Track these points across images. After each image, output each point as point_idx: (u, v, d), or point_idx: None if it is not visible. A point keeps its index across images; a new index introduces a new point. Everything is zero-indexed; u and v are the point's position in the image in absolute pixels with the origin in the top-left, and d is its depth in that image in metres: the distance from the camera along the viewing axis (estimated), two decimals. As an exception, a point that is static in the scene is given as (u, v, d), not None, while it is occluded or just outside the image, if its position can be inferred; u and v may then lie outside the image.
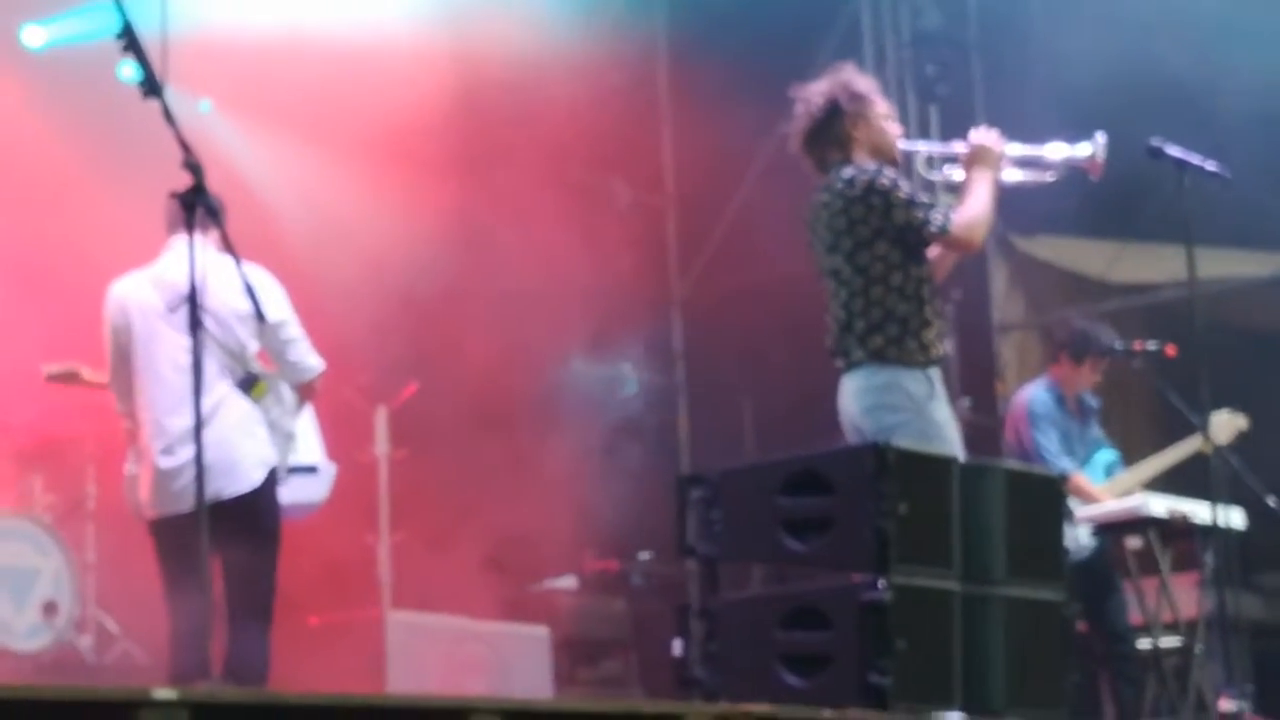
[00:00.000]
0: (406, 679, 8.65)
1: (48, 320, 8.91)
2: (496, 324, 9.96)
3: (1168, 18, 10.04)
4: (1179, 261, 7.61)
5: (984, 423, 11.06)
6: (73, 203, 9.11)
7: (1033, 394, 9.26)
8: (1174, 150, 7.46)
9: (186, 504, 6.35)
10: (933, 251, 6.57)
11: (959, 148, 6.79)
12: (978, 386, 11.61)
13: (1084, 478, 8.95)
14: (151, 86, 5.73)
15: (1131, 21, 10.17)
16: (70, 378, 8.39)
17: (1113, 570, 8.93)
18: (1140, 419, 10.52)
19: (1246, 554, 8.95)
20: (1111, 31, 10.15)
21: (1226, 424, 8.96)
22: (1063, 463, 8.84)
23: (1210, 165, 7.49)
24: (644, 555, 10.73)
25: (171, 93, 5.84)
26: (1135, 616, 8.98)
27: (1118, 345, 9.18)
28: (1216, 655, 8.39)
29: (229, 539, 6.56)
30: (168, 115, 5.73)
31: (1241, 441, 9.06)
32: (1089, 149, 6.76)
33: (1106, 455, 9.24)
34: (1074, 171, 6.83)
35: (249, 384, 6.81)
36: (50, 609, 8.92)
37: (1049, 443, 9.01)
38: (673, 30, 11.96)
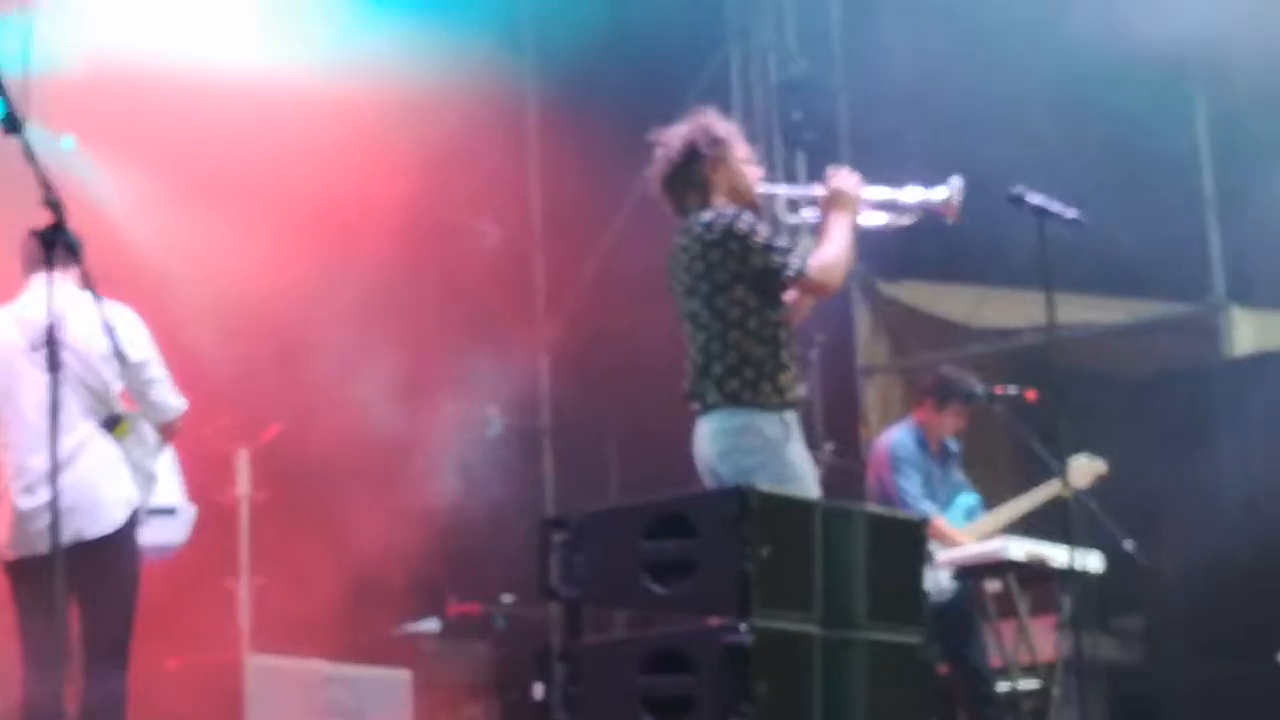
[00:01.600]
0: (266, 723, 8.58)
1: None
2: (361, 364, 9.91)
3: (1031, 66, 10.19)
4: (1039, 307, 7.70)
5: (847, 466, 11.13)
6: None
7: (895, 438, 9.36)
8: (1034, 197, 7.57)
9: (46, 544, 6.27)
10: (790, 295, 6.60)
11: (817, 191, 6.83)
12: (841, 430, 11.70)
13: (945, 521, 9.04)
14: (11, 123, 5.67)
15: (995, 69, 10.32)
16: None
17: (973, 613, 9.02)
18: (1001, 463, 10.64)
19: (1103, 597, 9.08)
20: (976, 79, 10.30)
21: (1085, 469, 9.08)
22: (924, 506, 8.92)
23: (1069, 212, 7.60)
24: (506, 598, 10.69)
25: (32, 129, 5.78)
26: (994, 659, 9.07)
27: (980, 391, 9.30)
28: (1073, 698, 8.49)
29: (88, 580, 6.50)
30: (28, 152, 5.68)
31: (1100, 486, 9.19)
32: (945, 193, 6.82)
33: (967, 499, 9.34)
34: (932, 215, 6.89)
35: (112, 424, 6.75)
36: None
37: (911, 486, 9.10)
38: (542, 72, 11.99)
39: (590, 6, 10.80)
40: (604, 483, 11.63)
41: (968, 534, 9.07)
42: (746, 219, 6.49)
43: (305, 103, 9.71)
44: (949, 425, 9.36)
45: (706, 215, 6.52)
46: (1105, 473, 9.15)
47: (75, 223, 6.02)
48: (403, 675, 9.57)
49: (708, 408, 6.48)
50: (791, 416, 6.51)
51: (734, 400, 6.42)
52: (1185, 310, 11.27)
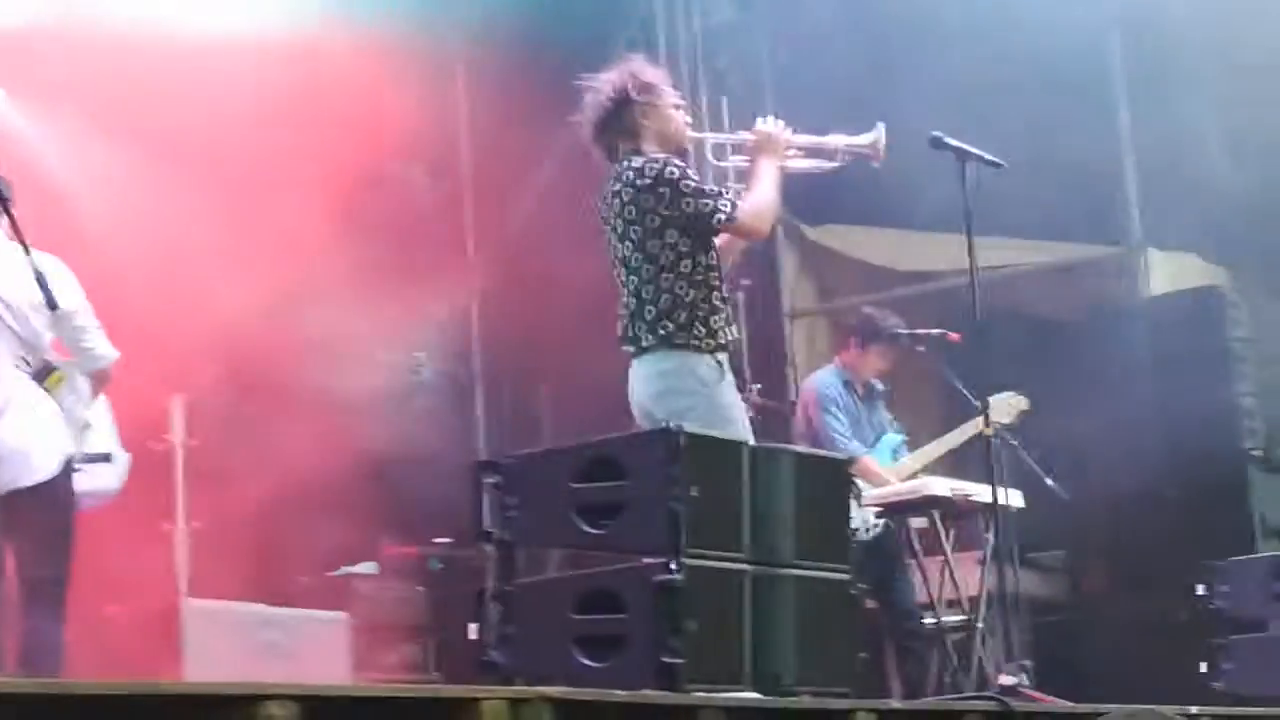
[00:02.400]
0: (204, 667, 8.61)
1: None
2: (293, 311, 9.92)
3: (951, 10, 10.29)
4: (962, 250, 7.83)
5: (774, 407, 11.25)
6: None
7: (822, 379, 9.49)
8: (955, 141, 7.69)
9: (-23, 494, 6.31)
10: (721, 239, 6.71)
11: (745, 136, 6.93)
12: (768, 372, 11.81)
13: (872, 460, 9.17)
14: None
15: (915, 16, 10.41)
16: None
17: (899, 550, 9.16)
18: (925, 404, 10.79)
19: (1025, 533, 9.25)
20: (896, 27, 10.39)
21: (1008, 405, 9.23)
22: (851, 445, 9.06)
23: (989, 156, 7.73)
24: (441, 540, 10.76)
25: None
26: (920, 594, 9.22)
27: (903, 332, 9.43)
28: (997, 631, 8.66)
29: (22, 528, 6.55)
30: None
31: (1023, 424, 9.34)
32: (870, 137, 6.96)
33: (893, 439, 9.48)
34: (857, 160, 7.01)
35: (44, 374, 6.78)
36: None
37: (839, 426, 9.23)
38: (468, 20, 11.96)
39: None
40: (535, 426, 11.70)
41: (893, 473, 9.21)
42: (677, 164, 6.59)
43: (231, 53, 9.70)
44: (873, 365, 9.49)
45: (637, 161, 6.61)
46: (1028, 409, 9.30)
47: (3, 171, 6.05)
48: (339, 617, 9.62)
49: (641, 350, 6.58)
50: (724, 358, 6.63)
51: (667, 343, 6.53)
52: (1104, 252, 11.44)
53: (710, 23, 12.37)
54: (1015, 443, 9.12)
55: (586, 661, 5.75)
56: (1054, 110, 10.39)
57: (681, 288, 6.57)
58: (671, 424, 5.86)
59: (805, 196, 10.08)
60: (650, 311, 6.57)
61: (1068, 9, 10.05)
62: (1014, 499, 8.83)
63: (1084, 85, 10.78)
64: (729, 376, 6.67)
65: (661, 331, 6.55)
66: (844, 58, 10.83)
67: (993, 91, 10.08)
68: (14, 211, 6.29)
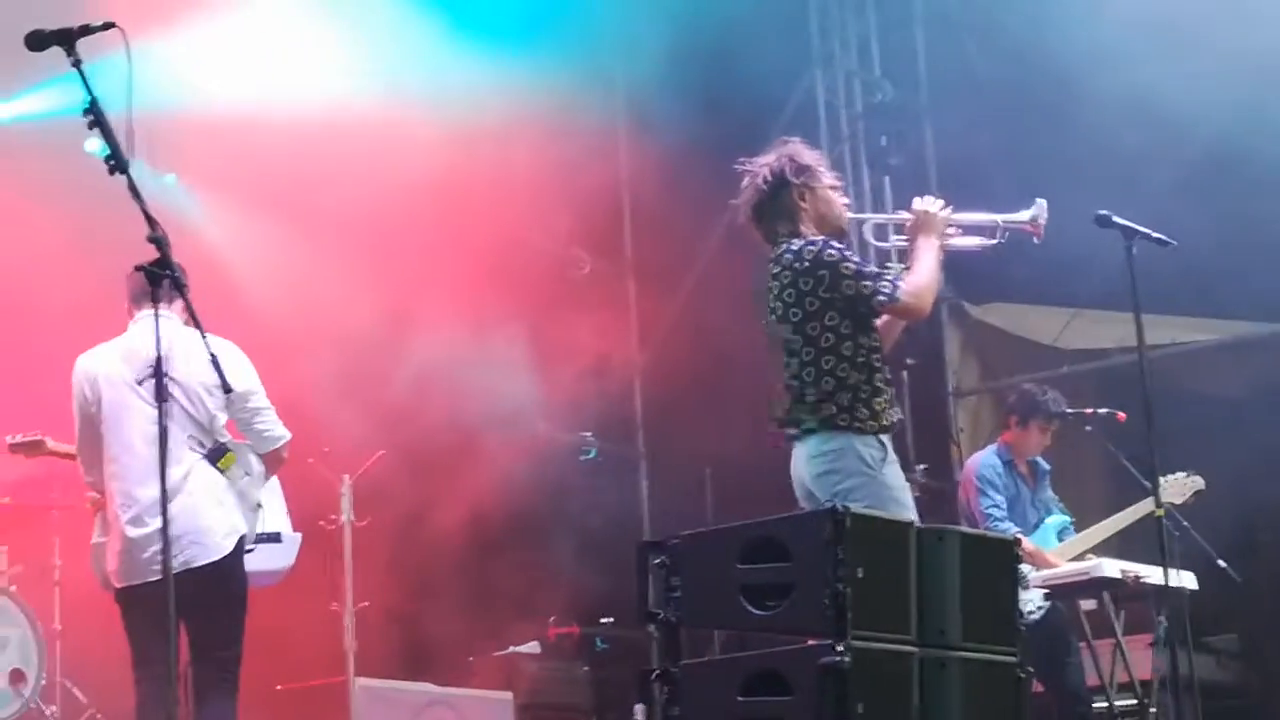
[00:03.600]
0: (373, 746, 8.71)
1: (12, 392, 8.97)
2: (460, 392, 10.03)
3: (1116, 89, 10.21)
4: (1128, 328, 7.75)
5: (939, 487, 11.18)
6: (38, 275, 9.19)
7: (982, 459, 9.41)
8: (1121, 219, 7.62)
9: (155, 573, 6.41)
10: (882, 320, 6.70)
11: (904, 216, 6.92)
12: (933, 452, 11.75)
13: (1029, 542, 9.05)
14: (117, 162, 5.81)
15: (1078, 91, 10.35)
16: (35, 447, 8.48)
17: (1068, 632, 9.03)
18: (1092, 484, 10.66)
19: (1198, 615, 9.08)
20: (1058, 101, 10.33)
21: (1182, 485, 9.07)
22: (1003, 526, 8.95)
23: (1156, 234, 7.65)
24: (606, 620, 10.79)
25: (137, 167, 5.92)
26: (1091, 678, 9.08)
27: (1066, 409, 9.33)
28: (1170, 715, 8.50)
29: (197, 607, 6.64)
30: (134, 190, 5.81)
31: (1194, 505, 9.19)
32: (1030, 213, 6.91)
33: (1059, 519, 9.35)
34: (1018, 236, 6.96)
35: (217, 454, 6.90)
36: (17, 677, 8.96)
37: (993, 508, 9.13)
38: (631, 102, 12.09)
39: (677, 36, 10.90)
40: (699, 506, 11.71)
41: (1058, 554, 9.10)
42: (835, 246, 6.59)
43: (400, 137, 9.86)
44: (1034, 443, 9.39)
45: (796, 244, 6.62)
46: (1202, 488, 9.14)
47: (179, 258, 6.18)
48: (505, 696, 9.67)
49: (804, 433, 6.57)
50: (888, 440, 6.60)
51: (830, 425, 6.52)
52: (1275, 329, 11.25)
53: (871, 102, 12.40)
54: (1186, 524, 8.96)
55: (752, 743, 5.73)
56: (1222, 183, 10.27)
57: (844, 370, 6.55)
58: (837, 504, 5.83)
59: (970, 275, 10.04)
60: (812, 394, 6.56)
61: (1236, 80, 9.93)
62: (1186, 580, 8.67)
63: (1254, 156, 10.63)
64: (893, 458, 6.64)
65: (824, 414, 6.54)
66: (1008, 133, 10.79)
67: (1159, 166, 9.99)
68: (189, 296, 6.41)
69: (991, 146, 10.89)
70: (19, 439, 8.56)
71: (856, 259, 6.64)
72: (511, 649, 10.36)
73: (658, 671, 6.05)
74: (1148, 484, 8.16)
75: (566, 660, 10.58)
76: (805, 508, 6.49)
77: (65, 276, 9.06)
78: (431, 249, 9.96)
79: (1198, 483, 9.14)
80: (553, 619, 10.79)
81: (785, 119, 11.56)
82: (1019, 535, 8.80)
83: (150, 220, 5.86)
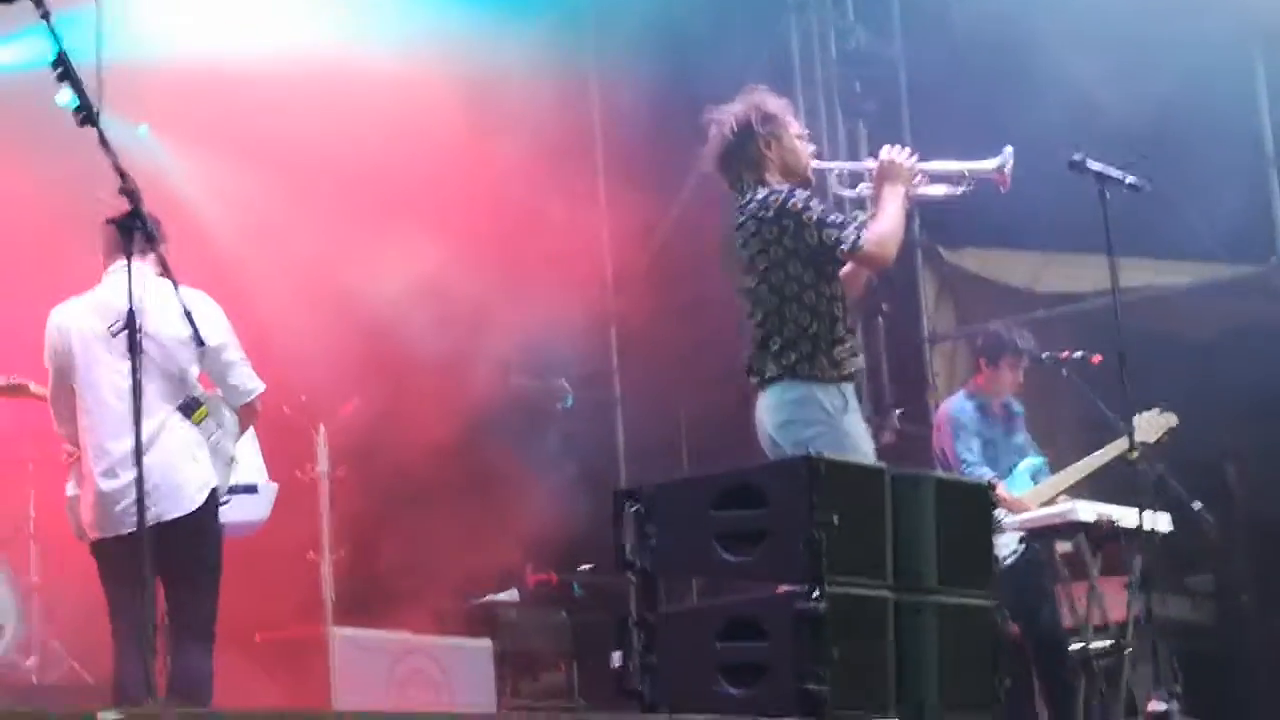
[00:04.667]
0: (351, 694, 8.71)
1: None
2: (435, 341, 10.03)
3: (1086, 34, 10.20)
4: (1103, 271, 7.76)
5: (916, 433, 11.20)
6: (15, 227, 9.16)
7: (954, 404, 9.43)
8: (1094, 164, 7.63)
9: (129, 526, 6.42)
10: (845, 269, 6.71)
11: (870, 164, 6.93)
12: (909, 397, 11.77)
13: (1003, 486, 9.06)
14: (87, 114, 5.79)
15: (1051, 38, 10.33)
16: (17, 390, 8.48)
17: (1043, 575, 9.06)
18: (1068, 427, 10.67)
19: (1173, 557, 9.13)
20: (1031, 47, 10.31)
21: (1155, 423, 9.08)
22: (979, 471, 8.97)
23: (1130, 178, 7.66)
24: (584, 568, 10.82)
25: (108, 119, 5.90)
26: (1066, 620, 9.12)
27: (1032, 346, 9.34)
28: (1145, 656, 8.55)
29: (172, 560, 6.64)
30: (104, 142, 5.80)
31: (1169, 442, 9.21)
32: (997, 162, 6.91)
33: (1033, 462, 9.37)
34: (986, 185, 6.96)
35: (190, 408, 6.89)
36: (-6, 629, 8.98)
37: (968, 453, 9.16)
38: (603, 49, 12.05)
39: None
40: (674, 452, 11.72)
41: (1033, 497, 9.11)
42: (800, 196, 6.61)
43: (371, 86, 9.83)
44: (1006, 382, 9.39)
45: (760, 193, 6.64)
46: (1175, 425, 9.15)
47: (151, 210, 6.16)
48: (484, 644, 9.70)
49: (766, 381, 6.59)
50: (849, 389, 6.62)
51: (792, 373, 6.54)
52: (1248, 271, 11.27)
53: (845, 48, 12.36)
54: (1160, 467, 8.99)
55: (729, 690, 5.76)
56: (1195, 127, 10.26)
57: (806, 319, 6.58)
58: (811, 451, 5.85)
59: (945, 220, 10.04)
60: (774, 343, 6.59)
61: (1208, 24, 9.92)
62: (1161, 523, 8.71)
63: (1226, 100, 10.63)
64: (855, 406, 6.67)
65: (785, 362, 6.56)
66: (982, 80, 10.77)
67: (1133, 110, 9.98)
68: (163, 249, 6.39)
69: (966, 92, 10.87)
70: (2, 382, 8.56)
71: (820, 207, 6.65)
72: (490, 597, 10.38)
73: (635, 619, 6.08)
74: (1122, 426, 8.19)
75: (545, 607, 10.60)
76: (769, 456, 6.51)
77: (43, 229, 9.03)
78: (403, 199, 9.93)
79: (1171, 419, 9.15)
80: (531, 567, 10.81)
81: (759, 65, 11.50)
82: (994, 480, 8.85)
83: (121, 172, 5.85)
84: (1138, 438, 8.27)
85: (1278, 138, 10.94)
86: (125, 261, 6.04)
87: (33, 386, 8.34)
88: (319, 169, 9.72)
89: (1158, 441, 9.05)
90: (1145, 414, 8.95)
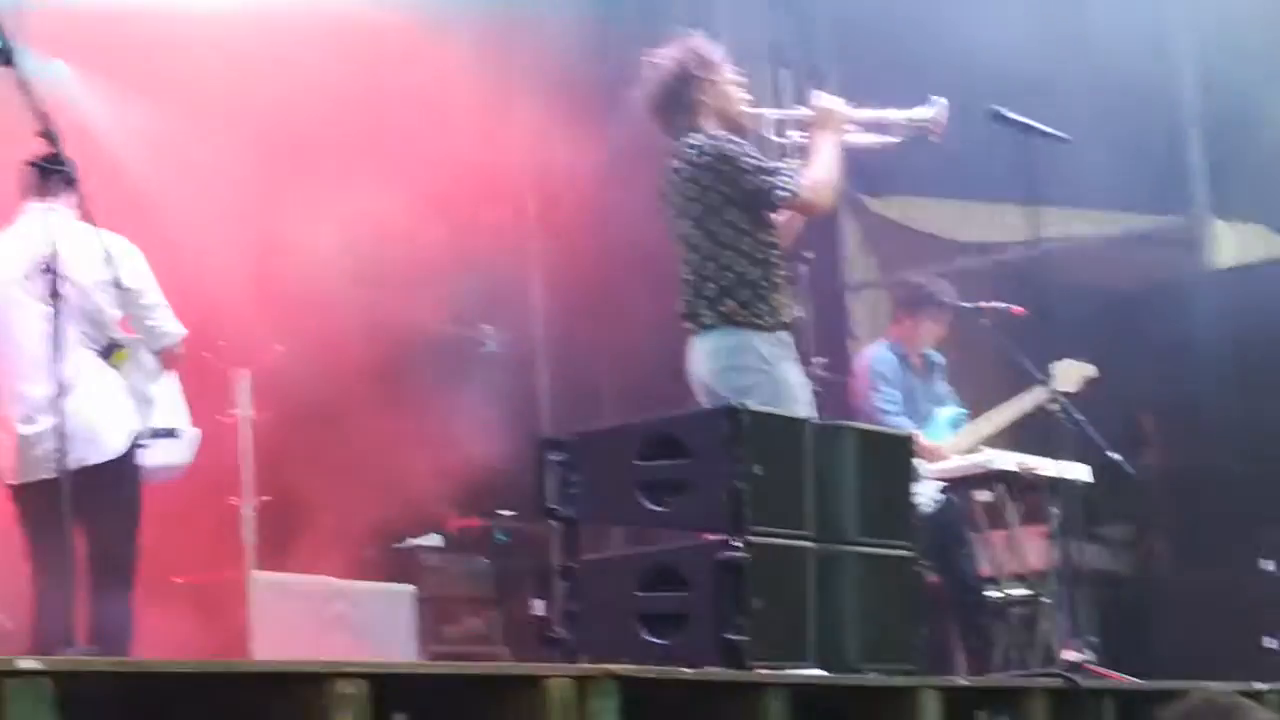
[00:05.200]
0: (271, 639, 8.68)
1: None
2: (357, 285, 9.98)
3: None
4: (1024, 221, 7.81)
5: (838, 381, 11.23)
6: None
7: (873, 353, 9.45)
8: (1016, 115, 7.67)
9: (48, 470, 6.37)
10: (781, 215, 6.71)
11: (804, 112, 6.94)
12: (831, 346, 11.79)
13: (921, 436, 9.11)
14: (5, 55, 5.72)
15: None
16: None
17: (962, 524, 9.13)
18: (987, 378, 10.74)
19: (1090, 507, 9.21)
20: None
21: (1073, 372, 9.13)
22: (897, 420, 9.00)
23: (1052, 130, 7.70)
24: (506, 514, 10.81)
25: (25, 58, 5.82)
26: (985, 568, 9.20)
27: (954, 298, 9.37)
28: (1063, 605, 8.64)
29: (91, 505, 6.58)
30: (22, 82, 5.74)
31: (1086, 397, 9.28)
32: (930, 112, 6.95)
33: (954, 411, 9.42)
34: (918, 134, 6.99)
35: (110, 351, 6.84)
36: (-92, 575, 8.89)
37: (887, 403, 9.18)
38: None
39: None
40: (597, 400, 11.71)
41: (952, 446, 9.14)
42: (735, 142, 6.61)
43: (295, 28, 9.73)
44: (926, 335, 9.41)
45: (696, 139, 6.63)
46: (1094, 374, 9.21)
47: (71, 151, 6.09)
48: (406, 590, 9.69)
49: (703, 328, 6.60)
50: (786, 336, 6.64)
51: (729, 320, 6.55)
52: (1168, 222, 11.36)
53: (771, -5, 12.34)
54: (1080, 417, 9.06)
55: (651, 639, 5.79)
56: (1117, 79, 10.32)
57: (742, 265, 6.58)
58: (734, 401, 5.87)
59: (866, 168, 10.03)
60: (711, 289, 6.59)
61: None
62: (1080, 473, 8.78)
63: (1148, 52, 10.69)
64: (792, 354, 6.68)
65: (723, 309, 6.57)
66: (905, 28, 10.78)
67: (1056, 60, 10.02)
68: (81, 190, 6.33)
69: (890, 38, 10.88)
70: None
71: (756, 154, 6.66)
72: (410, 541, 10.37)
73: (558, 567, 6.10)
74: (1040, 376, 8.24)
75: (467, 553, 10.59)
76: (703, 403, 6.53)
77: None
78: (332, 145, 9.86)
79: (1089, 369, 9.20)
80: (454, 512, 10.79)
81: (684, 8, 11.47)
82: (914, 432, 8.90)
83: (41, 114, 5.78)
84: (1058, 384, 8.34)
85: (1200, 90, 11.01)
86: (43, 203, 5.98)
87: None
88: (246, 112, 9.62)
89: (1076, 391, 9.11)
90: (1063, 363, 9.01)
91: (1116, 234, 11.49)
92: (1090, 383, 9.20)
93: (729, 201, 6.58)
